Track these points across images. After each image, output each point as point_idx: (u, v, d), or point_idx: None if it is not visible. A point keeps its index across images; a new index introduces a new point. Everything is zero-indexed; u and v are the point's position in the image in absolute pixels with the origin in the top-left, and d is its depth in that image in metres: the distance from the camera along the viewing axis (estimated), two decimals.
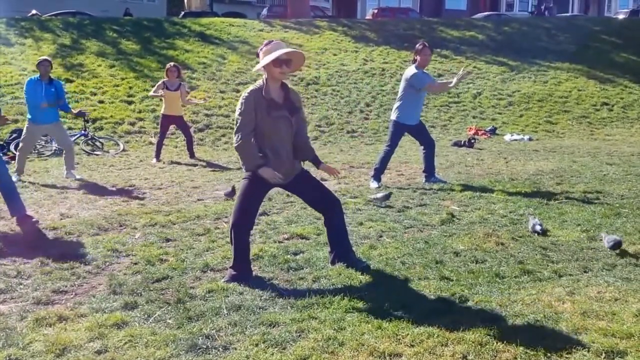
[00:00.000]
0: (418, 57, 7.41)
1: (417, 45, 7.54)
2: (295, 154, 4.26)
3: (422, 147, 7.80)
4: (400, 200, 6.77)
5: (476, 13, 32.35)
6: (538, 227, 5.30)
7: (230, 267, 4.25)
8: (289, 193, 6.78)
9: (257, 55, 4.15)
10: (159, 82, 10.34)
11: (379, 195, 6.60)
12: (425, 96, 7.69)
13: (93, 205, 6.79)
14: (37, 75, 8.16)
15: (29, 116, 8.28)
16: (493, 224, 5.68)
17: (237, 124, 4.05)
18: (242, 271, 4.19)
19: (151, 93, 10.71)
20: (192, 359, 3.10)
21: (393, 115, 7.65)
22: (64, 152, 8.51)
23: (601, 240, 4.95)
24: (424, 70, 7.51)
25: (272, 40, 4.13)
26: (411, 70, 7.45)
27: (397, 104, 7.60)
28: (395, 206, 6.44)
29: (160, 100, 10.61)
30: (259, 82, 4.12)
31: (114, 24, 18.13)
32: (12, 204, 5.74)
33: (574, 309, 3.61)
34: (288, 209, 6.38)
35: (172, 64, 10.45)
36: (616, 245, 4.71)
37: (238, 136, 4.04)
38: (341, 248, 4.43)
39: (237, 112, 4.07)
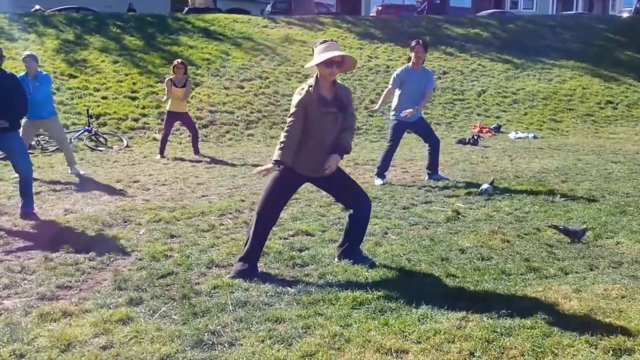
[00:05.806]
0: (412, 55, 7.43)
1: (412, 43, 7.51)
2: (331, 148, 4.23)
3: (427, 145, 7.81)
4: (406, 197, 6.75)
5: (481, 10, 32.25)
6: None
7: (239, 260, 4.24)
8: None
9: (313, 51, 4.25)
10: (166, 80, 10.31)
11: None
12: (419, 92, 7.50)
13: (97, 200, 6.78)
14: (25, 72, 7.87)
15: None
16: (498, 222, 5.66)
17: (291, 114, 4.11)
18: (250, 265, 4.19)
19: (164, 99, 10.43)
20: (197, 355, 3.08)
21: (391, 114, 7.74)
22: (60, 148, 8.40)
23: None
24: (412, 68, 7.43)
25: (327, 40, 4.23)
26: (397, 69, 7.58)
27: (393, 102, 7.67)
28: (400, 203, 6.42)
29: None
30: (311, 79, 4.20)
31: (117, 20, 18.10)
32: (25, 199, 6.02)
33: (581, 306, 3.60)
34: (293, 206, 6.36)
35: (179, 60, 10.43)
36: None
37: (290, 124, 4.07)
38: (352, 244, 4.45)
39: (293, 103, 4.15)
